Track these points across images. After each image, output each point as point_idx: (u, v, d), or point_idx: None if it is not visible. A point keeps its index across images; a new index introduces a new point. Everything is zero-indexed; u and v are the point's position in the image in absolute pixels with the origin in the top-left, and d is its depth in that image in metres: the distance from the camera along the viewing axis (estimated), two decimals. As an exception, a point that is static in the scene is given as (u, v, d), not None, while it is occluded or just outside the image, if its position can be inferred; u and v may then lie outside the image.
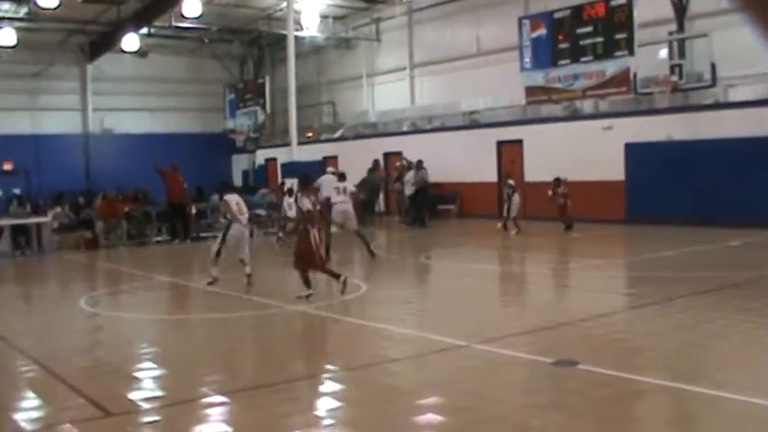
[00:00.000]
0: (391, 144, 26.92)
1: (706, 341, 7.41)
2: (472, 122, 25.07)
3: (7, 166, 28.50)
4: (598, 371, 6.18)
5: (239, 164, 35.70)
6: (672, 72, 19.48)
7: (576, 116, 21.99)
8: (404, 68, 28.90)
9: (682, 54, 19.73)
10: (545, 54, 21.61)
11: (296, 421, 5.37)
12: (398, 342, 7.89)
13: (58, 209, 19.98)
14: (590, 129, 20.86)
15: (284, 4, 25.38)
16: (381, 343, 7.90)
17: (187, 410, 5.66)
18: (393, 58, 29.38)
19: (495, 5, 24.93)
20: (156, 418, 5.56)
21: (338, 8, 29.40)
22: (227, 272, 11.76)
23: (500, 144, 23.79)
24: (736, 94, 18.43)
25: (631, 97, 20.29)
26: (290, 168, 22.64)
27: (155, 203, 21.85)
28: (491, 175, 23.67)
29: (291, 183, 17.70)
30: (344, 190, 14.70)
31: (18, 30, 26.36)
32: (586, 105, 21.87)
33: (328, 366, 6.87)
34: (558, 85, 21.41)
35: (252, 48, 34.41)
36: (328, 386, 6.27)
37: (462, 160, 24.10)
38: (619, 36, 19.64)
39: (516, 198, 18.84)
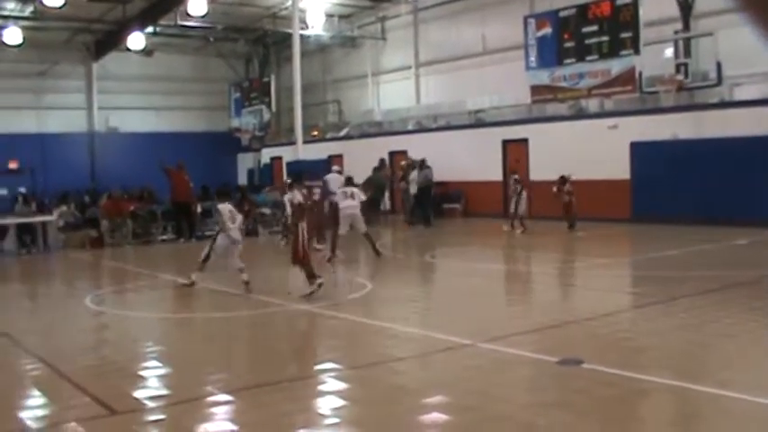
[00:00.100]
0: (396, 143, 26.93)
1: (711, 340, 7.40)
2: (477, 121, 25.04)
3: (13, 165, 28.58)
4: (603, 370, 6.18)
5: (245, 162, 35.71)
6: (677, 71, 19.45)
7: (581, 115, 21.96)
8: (409, 67, 28.87)
9: (687, 53, 19.70)
10: (550, 53, 21.59)
11: (300, 420, 5.38)
12: (403, 341, 7.88)
13: (64, 207, 20.00)
14: (595, 128, 20.83)
15: (289, 3, 25.32)
16: (386, 342, 7.90)
17: (192, 409, 5.67)
18: (398, 56, 29.34)
19: (500, 4, 24.88)
20: (162, 416, 5.57)
21: (343, 7, 29.40)
22: (230, 271, 11.71)
23: (505, 143, 23.77)
24: (742, 93, 18.39)
25: (637, 96, 20.24)
26: (296, 167, 22.60)
27: (160, 202, 21.86)
28: (496, 174, 23.67)
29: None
30: (352, 195, 14.72)
31: (24, 29, 26.46)
32: (592, 104, 21.84)
33: (333, 365, 6.86)
34: (563, 84, 21.39)
35: (257, 46, 34.40)
36: (333, 385, 6.25)
37: (467, 159, 24.08)
38: (624, 35, 19.61)
39: (525, 195, 18.82)
